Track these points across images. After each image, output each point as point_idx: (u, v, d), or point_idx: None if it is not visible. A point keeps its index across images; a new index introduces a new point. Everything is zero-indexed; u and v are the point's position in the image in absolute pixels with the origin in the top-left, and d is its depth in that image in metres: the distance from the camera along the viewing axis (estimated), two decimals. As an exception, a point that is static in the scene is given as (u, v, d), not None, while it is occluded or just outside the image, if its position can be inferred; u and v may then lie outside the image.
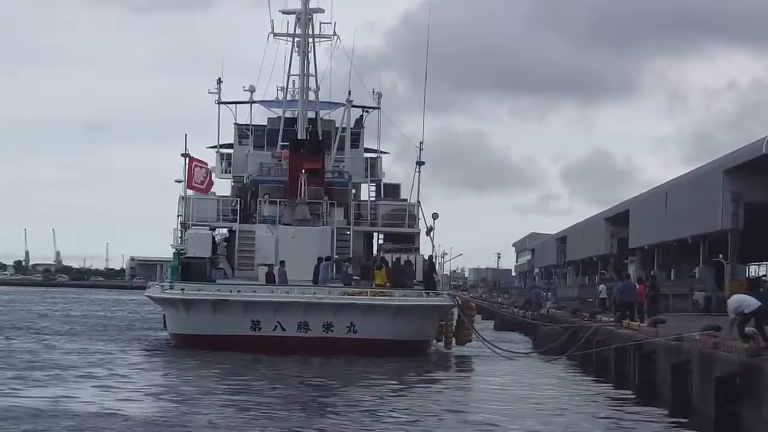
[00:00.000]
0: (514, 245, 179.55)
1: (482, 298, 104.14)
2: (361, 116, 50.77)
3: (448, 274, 51.96)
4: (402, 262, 43.34)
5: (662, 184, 76.32)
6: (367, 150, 51.46)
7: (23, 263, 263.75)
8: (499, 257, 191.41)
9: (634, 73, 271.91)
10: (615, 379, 32.33)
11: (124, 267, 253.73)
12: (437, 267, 44.13)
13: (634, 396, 28.59)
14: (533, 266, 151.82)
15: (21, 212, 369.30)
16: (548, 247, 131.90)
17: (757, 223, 54.40)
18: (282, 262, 42.25)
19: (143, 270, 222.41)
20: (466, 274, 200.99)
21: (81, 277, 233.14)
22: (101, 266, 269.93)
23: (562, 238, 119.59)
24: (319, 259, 42.04)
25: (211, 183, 46.98)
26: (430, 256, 44.08)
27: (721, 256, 58.34)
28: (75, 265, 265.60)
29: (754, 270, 68.25)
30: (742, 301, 22.96)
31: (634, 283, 40.11)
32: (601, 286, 56.64)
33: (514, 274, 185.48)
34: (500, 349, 42.07)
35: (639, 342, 29.92)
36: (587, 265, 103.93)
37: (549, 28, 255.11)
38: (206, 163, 47.26)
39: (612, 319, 39.15)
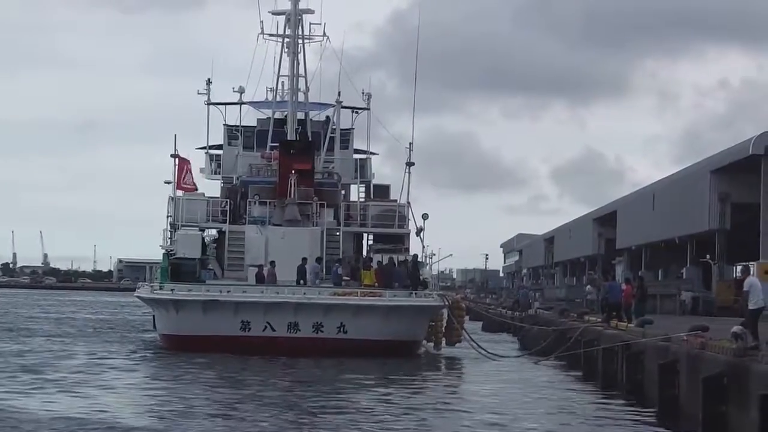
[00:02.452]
0: (501, 246, 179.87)
1: (470, 299, 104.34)
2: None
3: (436, 274, 51.98)
4: (397, 263, 43.20)
5: (650, 185, 76.66)
6: (357, 151, 51.60)
7: (10, 265, 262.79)
8: (486, 258, 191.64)
9: (626, 72, 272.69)
10: (602, 379, 32.43)
11: (112, 269, 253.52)
12: (426, 267, 44.24)
13: (621, 396, 28.74)
14: (521, 267, 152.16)
15: (8, 214, 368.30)
16: (536, 247, 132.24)
17: (744, 223, 54.70)
18: (272, 263, 42.32)
19: (131, 272, 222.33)
20: (454, 275, 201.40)
21: (69, 279, 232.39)
22: (89, 268, 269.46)
23: (549, 239, 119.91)
24: (304, 260, 42.04)
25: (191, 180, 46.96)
26: (414, 255, 44.19)
27: (708, 256, 58.65)
28: (63, 267, 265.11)
29: (741, 270, 68.45)
30: (754, 286, 22.68)
31: (621, 284, 40.30)
32: (588, 287, 56.82)
33: (501, 274, 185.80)
34: (489, 352, 41.95)
35: (627, 342, 30.08)
36: (575, 266, 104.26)
37: (540, 27, 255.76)
38: (188, 161, 47.26)
39: (599, 320, 39.31)
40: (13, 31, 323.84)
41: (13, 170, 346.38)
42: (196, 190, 47.38)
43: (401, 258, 43.70)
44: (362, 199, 48.92)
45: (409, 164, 46.49)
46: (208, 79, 50.71)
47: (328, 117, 50.51)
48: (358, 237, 47.76)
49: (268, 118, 50.39)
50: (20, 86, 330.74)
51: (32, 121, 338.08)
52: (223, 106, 51.46)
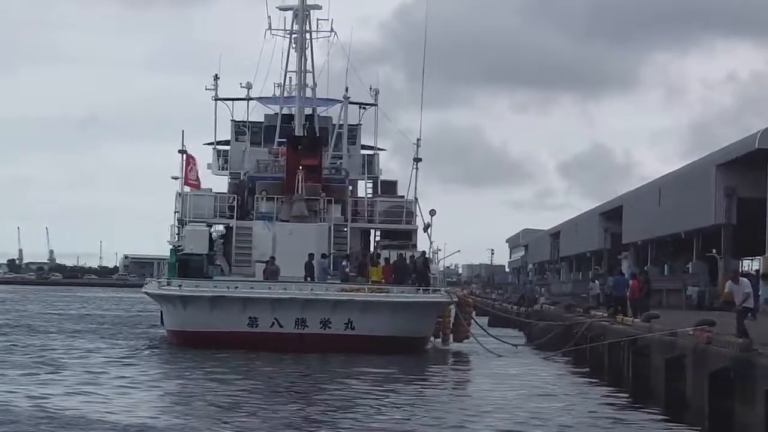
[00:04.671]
0: (507, 241, 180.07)
1: (476, 294, 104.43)
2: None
3: (442, 270, 52.13)
4: (410, 259, 43.33)
5: (656, 179, 76.77)
6: (365, 147, 51.73)
7: (17, 262, 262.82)
8: (492, 253, 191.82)
9: (634, 66, 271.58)
10: (609, 374, 32.60)
11: (118, 265, 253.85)
12: (433, 263, 44.36)
13: (628, 391, 28.87)
14: (527, 262, 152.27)
15: (14, 210, 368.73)
16: (542, 242, 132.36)
17: (750, 218, 54.75)
18: (272, 258, 42.38)
19: (137, 268, 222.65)
20: (460, 270, 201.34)
21: (75, 276, 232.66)
22: (95, 264, 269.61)
23: (555, 234, 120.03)
24: (311, 255, 42.17)
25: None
26: (423, 252, 44.30)
27: (714, 251, 58.71)
28: (68, 263, 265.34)
29: (747, 265, 68.59)
30: (735, 290, 23.36)
31: (627, 278, 40.41)
32: (592, 284, 56.86)
33: (507, 270, 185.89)
34: (512, 344, 42.24)
35: (633, 337, 30.21)
36: (581, 261, 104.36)
37: (548, 20, 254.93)
38: (193, 158, 47.51)
39: (605, 315, 39.46)
40: (16, 26, 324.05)
41: (20, 166, 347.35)
42: (200, 187, 47.53)
43: (408, 254, 43.81)
44: (369, 195, 49.03)
45: (417, 160, 46.57)
46: (216, 75, 50.78)
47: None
48: (366, 233, 47.90)
49: (276, 113, 50.50)
50: (24, 83, 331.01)
51: (37, 117, 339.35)
52: (231, 101, 51.56)
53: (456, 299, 42.89)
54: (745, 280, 23.93)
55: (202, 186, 47.81)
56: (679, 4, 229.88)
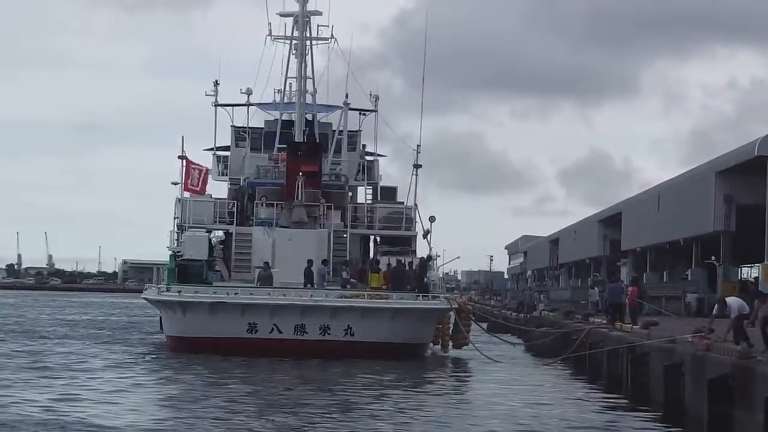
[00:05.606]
0: (506, 248, 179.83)
1: (474, 301, 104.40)
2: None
3: (441, 276, 52.20)
4: (410, 265, 43.34)
5: (655, 186, 76.74)
6: (366, 153, 51.75)
7: (15, 266, 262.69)
8: (491, 260, 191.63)
9: (634, 73, 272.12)
10: (608, 381, 32.62)
11: (117, 270, 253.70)
12: (433, 269, 44.38)
13: (627, 398, 28.88)
14: (525, 268, 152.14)
15: (13, 215, 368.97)
16: (541, 249, 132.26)
17: (749, 224, 54.75)
18: (266, 264, 42.36)
19: (136, 273, 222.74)
20: (459, 277, 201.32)
21: (74, 281, 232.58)
22: (94, 269, 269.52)
23: (554, 241, 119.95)
24: (310, 262, 42.17)
25: (205, 183, 47.16)
26: (421, 258, 44.31)
27: (713, 257, 58.71)
28: (67, 268, 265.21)
29: (746, 272, 68.61)
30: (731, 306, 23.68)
31: (624, 285, 40.42)
32: (591, 291, 56.86)
33: (506, 276, 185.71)
34: (504, 341, 42.36)
35: (632, 344, 30.23)
36: (580, 268, 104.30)
37: (547, 27, 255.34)
38: (202, 166, 47.54)
39: (604, 322, 39.49)
40: (15, 30, 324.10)
41: (18, 171, 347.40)
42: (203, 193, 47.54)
43: (408, 260, 43.83)
44: (369, 201, 49.08)
45: (417, 166, 46.63)
46: (216, 81, 50.84)
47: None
48: (365, 239, 47.93)
49: (276, 119, 50.60)
50: (24, 86, 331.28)
51: (36, 121, 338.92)
52: (231, 107, 51.66)
53: (455, 306, 42.87)
54: (734, 302, 24.03)
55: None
56: (678, 11, 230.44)
